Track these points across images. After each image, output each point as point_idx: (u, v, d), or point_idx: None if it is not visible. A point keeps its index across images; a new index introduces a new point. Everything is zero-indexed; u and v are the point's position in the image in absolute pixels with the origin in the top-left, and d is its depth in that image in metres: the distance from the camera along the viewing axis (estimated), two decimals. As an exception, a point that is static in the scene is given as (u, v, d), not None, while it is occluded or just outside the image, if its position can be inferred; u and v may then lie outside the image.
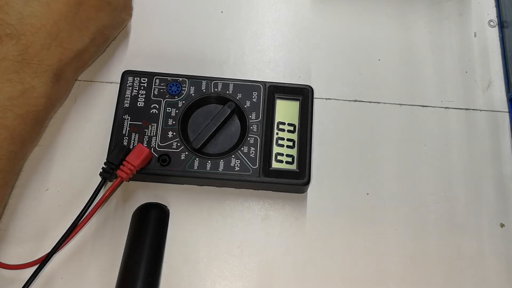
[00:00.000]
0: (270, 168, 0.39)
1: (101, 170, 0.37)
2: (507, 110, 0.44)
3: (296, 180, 0.39)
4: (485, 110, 0.44)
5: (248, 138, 0.39)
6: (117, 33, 0.44)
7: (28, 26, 0.36)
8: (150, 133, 0.39)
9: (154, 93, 0.40)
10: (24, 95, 0.36)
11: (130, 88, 0.40)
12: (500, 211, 0.41)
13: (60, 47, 0.38)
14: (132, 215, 0.38)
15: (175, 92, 0.40)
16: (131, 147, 0.38)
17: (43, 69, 0.37)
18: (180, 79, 0.41)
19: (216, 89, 0.40)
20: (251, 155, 0.39)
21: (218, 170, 0.38)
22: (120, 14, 0.42)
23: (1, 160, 0.35)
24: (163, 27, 0.45)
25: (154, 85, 0.41)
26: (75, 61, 0.39)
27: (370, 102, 0.44)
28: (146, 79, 0.41)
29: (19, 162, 0.38)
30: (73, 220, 0.36)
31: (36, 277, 0.36)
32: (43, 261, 0.36)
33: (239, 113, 0.40)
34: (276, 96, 0.41)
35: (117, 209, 0.39)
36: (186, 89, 0.40)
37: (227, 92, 0.40)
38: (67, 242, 0.36)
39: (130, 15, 0.44)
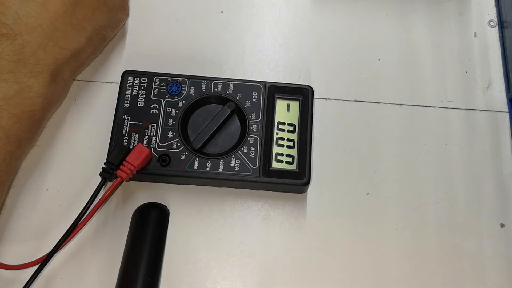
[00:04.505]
0: (270, 168, 0.39)
1: (101, 170, 0.37)
2: (507, 110, 0.44)
3: (296, 180, 0.39)
4: (485, 110, 0.44)
5: (248, 138, 0.39)
6: (114, 33, 0.44)
7: (24, 26, 0.36)
8: (150, 133, 0.39)
9: (154, 93, 0.40)
10: (20, 95, 0.36)
11: (130, 88, 0.40)
12: (500, 211, 0.41)
13: (57, 47, 0.38)
14: (132, 215, 0.38)
15: (175, 92, 0.40)
16: (131, 147, 0.38)
17: (40, 69, 0.37)
18: (180, 79, 0.41)
19: (216, 89, 0.40)
20: (251, 155, 0.39)
21: (218, 170, 0.38)
22: (117, 14, 0.42)
23: None
24: (163, 27, 0.45)
25: (154, 85, 0.41)
26: (72, 61, 0.39)
27: (370, 102, 0.44)
28: (146, 79, 0.41)
29: (15, 162, 0.38)
30: (73, 220, 0.36)
31: (36, 277, 0.36)
32: (43, 261, 0.36)
33: (239, 113, 0.40)
34: (276, 96, 0.41)
35: (117, 209, 0.39)
36: (186, 89, 0.40)
37: (227, 92, 0.40)
38: (67, 242, 0.36)
39: (127, 15, 0.44)
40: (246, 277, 0.38)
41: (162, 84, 0.41)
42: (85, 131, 0.41)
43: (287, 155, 0.39)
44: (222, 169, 0.38)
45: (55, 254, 0.36)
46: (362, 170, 0.42)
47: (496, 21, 0.47)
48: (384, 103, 0.44)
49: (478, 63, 0.45)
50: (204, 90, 0.40)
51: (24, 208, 0.39)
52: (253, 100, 0.40)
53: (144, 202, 0.39)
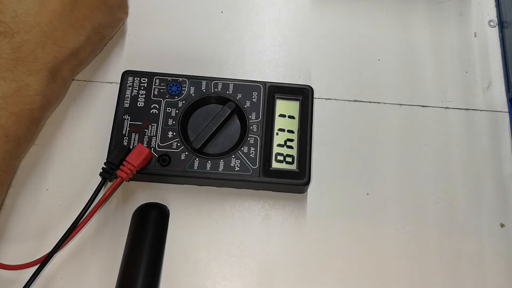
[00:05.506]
0: (270, 168, 0.39)
1: (101, 170, 0.37)
2: (507, 110, 0.44)
3: (296, 180, 0.39)
4: (485, 110, 0.44)
5: (248, 138, 0.39)
6: (114, 32, 0.44)
7: (22, 24, 0.36)
8: (150, 133, 0.39)
9: (154, 93, 0.40)
10: (18, 93, 0.36)
11: (130, 88, 0.40)
12: (500, 211, 0.41)
13: (55, 45, 0.38)
14: (132, 215, 0.38)
15: (175, 92, 0.40)
16: (131, 147, 0.38)
17: (38, 67, 0.37)
18: (180, 79, 0.41)
19: (216, 89, 0.40)
20: (251, 155, 0.39)
21: (218, 170, 0.38)
22: (116, 13, 0.42)
23: None
24: (163, 27, 0.45)
25: (154, 85, 0.41)
26: (71, 60, 0.39)
27: (370, 102, 0.44)
28: (146, 79, 0.41)
29: (14, 162, 0.38)
30: (73, 220, 0.36)
31: (36, 277, 0.36)
32: (43, 261, 0.36)
33: (239, 113, 0.40)
34: (276, 96, 0.41)
35: (117, 209, 0.39)
36: (186, 89, 0.40)
37: (227, 92, 0.40)
38: (67, 242, 0.36)
39: (126, 14, 0.44)
40: (246, 277, 0.38)
41: (162, 84, 0.41)
42: (85, 131, 0.41)
43: (287, 155, 0.39)
44: (222, 169, 0.38)
45: (55, 254, 0.36)
46: (362, 170, 0.41)
47: (496, 21, 0.47)
48: (384, 103, 0.44)
49: (478, 63, 0.45)
50: (204, 90, 0.40)
51: (24, 208, 0.39)
52: (253, 100, 0.40)
53: (144, 202, 0.39)
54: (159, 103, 0.40)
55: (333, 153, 0.42)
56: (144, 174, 0.38)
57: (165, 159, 0.38)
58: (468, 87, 0.45)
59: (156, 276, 0.37)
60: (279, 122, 0.40)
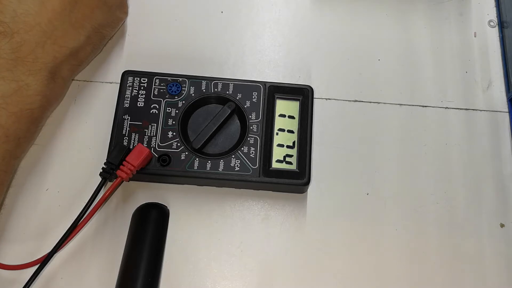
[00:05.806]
0: (270, 168, 0.39)
1: (101, 170, 0.37)
2: (507, 110, 0.44)
3: (296, 180, 0.39)
4: (485, 110, 0.44)
5: (248, 138, 0.39)
6: (114, 32, 0.44)
7: (22, 24, 0.36)
8: (150, 133, 0.39)
9: (154, 93, 0.40)
10: (18, 93, 0.36)
11: (130, 88, 0.40)
12: (500, 211, 0.41)
13: (55, 45, 0.38)
14: (132, 215, 0.38)
15: (175, 92, 0.40)
16: (131, 147, 0.38)
17: (38, 67, 0.37)
18: (180, 79, 0.41)
19: (216, 89, 0.40)
20: (251, 155, 0.39)
21: (218, 170, 0.38)
22: (116, 12, 0.42)
23: None
24: (163, 27, 0.45)
25: (154, 85, 0.41)
26: (71, 59, 0.39)
27: (370, 102, 0.44)
28: (146, 79, 0.41)
29: (14, 162, 0.38)
30: (73, 220, 0.36)
31: (36, 277, 0.36)
32: (43, 261, 0.36)
33: (239, 113, 0.40)
34: (276, 96, 0.41)
35: (117, 209, 0.39)
36: (186, 89, 0.40)
37: (227, 92, 0.40)
38: (67, 242, 0.36)
39: (126, 13, 0.44)
40: (246, 277, 0.38)
41: (162, 84, 0.41)
42: (85, 131, 0.41)
43: (287, 155, 0.39)
44: (222, 169, 0.38)
45: (55, 254, 0.36)
46: (362, 170, 0.41)
47: (496, 21, 0.47)
48: (384, 103, 0.44)
49: (478, 63, 0.45)
50: (204, 90, 0.40)
51: (24, 208, 0.39)
52: (253, 100, 0.40)
53: (144, 202, 0.39)
54: (159, 103, 0.40)
55: (333, 153, 0.42)
56: (144, 174, 0.38)
57: (165, 159, 0.38)
58: (468, 87, 0.45)
59: (156, 276, 0.37)
60: (279, 122, 0.40)
